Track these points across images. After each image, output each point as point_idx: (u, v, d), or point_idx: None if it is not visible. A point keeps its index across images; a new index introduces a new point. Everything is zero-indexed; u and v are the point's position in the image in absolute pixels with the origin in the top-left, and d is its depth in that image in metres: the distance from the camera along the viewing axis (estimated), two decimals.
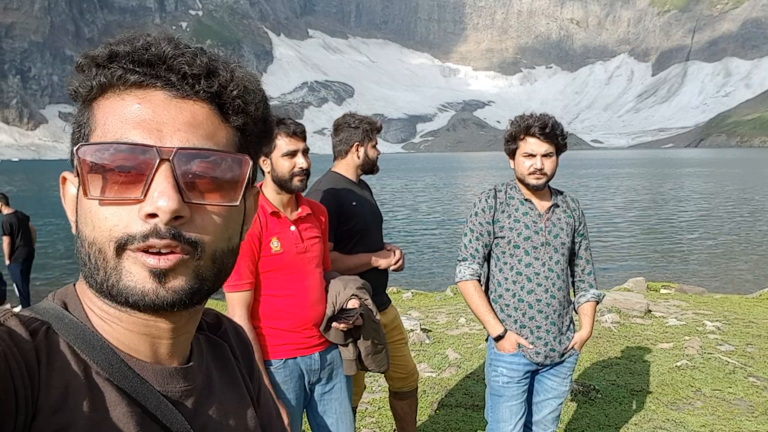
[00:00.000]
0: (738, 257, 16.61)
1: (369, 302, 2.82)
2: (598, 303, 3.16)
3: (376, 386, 5.34)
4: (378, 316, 2.88)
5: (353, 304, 2.73)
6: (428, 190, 48.05)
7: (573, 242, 3.11)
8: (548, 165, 2.92)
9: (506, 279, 2.99)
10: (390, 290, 11.26)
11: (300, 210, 2.77)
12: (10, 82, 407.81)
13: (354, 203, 3.32)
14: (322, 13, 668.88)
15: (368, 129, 3.42)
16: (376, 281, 3.24)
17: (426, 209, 31.99)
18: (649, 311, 8.13)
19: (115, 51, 0.69)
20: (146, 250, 0.67)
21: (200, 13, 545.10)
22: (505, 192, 3.07)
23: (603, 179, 57.79)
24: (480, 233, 3.03)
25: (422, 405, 4.94)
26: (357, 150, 3.40)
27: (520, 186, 3.05)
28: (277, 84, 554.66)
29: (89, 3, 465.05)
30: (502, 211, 3.02)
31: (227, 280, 2.57)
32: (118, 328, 0.72)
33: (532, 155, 2.90)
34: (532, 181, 2.92)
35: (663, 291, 10.65)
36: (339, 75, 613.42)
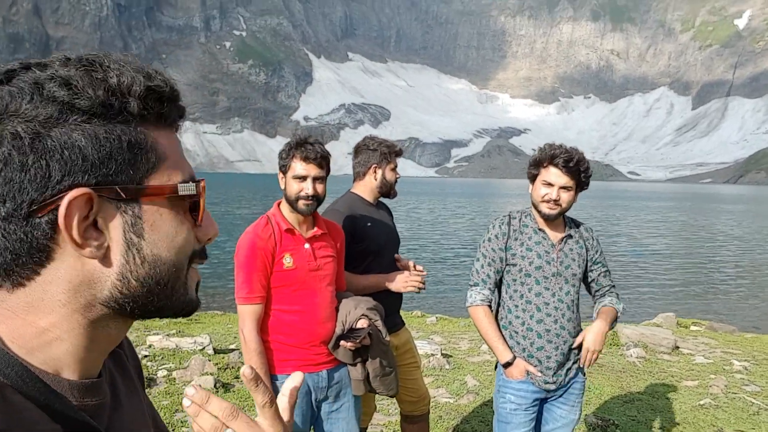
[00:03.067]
0: None
1: (379, 323, 2.81)
2: (618, 314, 3.11)
3: (393, 409, 5.27)
4: (388, 338, 2.86)
5: (362, 324, 2.73)
6: (460, 215, 47.92)
7: (586, 272, 3.10)
8: (564, 197, 2.90)
9: (516, 306, 2.98)
10: (414, 314, 11.24)
11: (316, 228, 2.79)
12: None
13: (368, 224, 3.33)
14: (363, 37, 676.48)
15: (386, 152, 3.45)
16: (388, 303, 3.22)
17: (457, 234, 31.90)
18: (677, 347, 7.99)
19: (172, 92, 0.76)
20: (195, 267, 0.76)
21: (244, 33, 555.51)
22: (520, 219, 3.06)
23: (639, 211, 57.03)
24: (492, 259, 3.02)
25: (437, 430, 4.93)
26: (375, 172, 3.43)
27: (534, 214, 3.05)
28: (316, 105, 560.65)
29: (138, 20, 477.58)
30: (515, 239, 3.00)
31: (238, 293, 2.66)
32: (63, 346, 0.72)
33: (551, 185, 2.89)
34: (544, 209, 2.92)
35: (693, 328, 10.46)
36: (376, 98, 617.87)
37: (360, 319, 2.75)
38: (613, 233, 34.45)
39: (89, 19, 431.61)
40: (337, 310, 2.79)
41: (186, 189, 0.75)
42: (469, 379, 6.31)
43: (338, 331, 2.72)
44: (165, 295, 0.74)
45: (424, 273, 3.43)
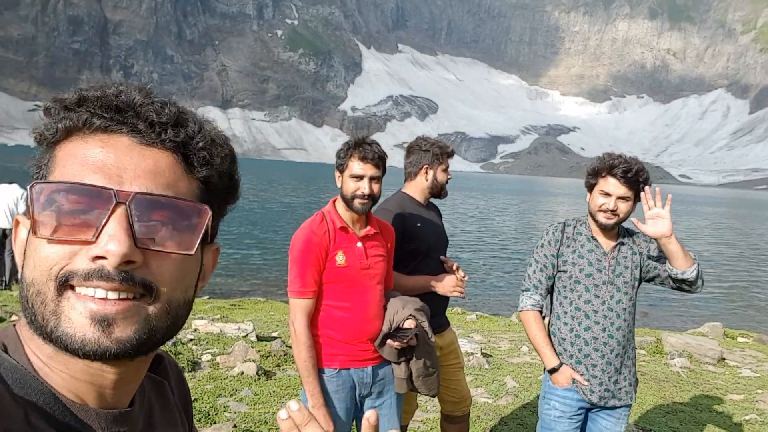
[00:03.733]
0: None
1: (425, 324, 2.85)
2: (695, 271, 2.97)
3: (431, 406, 5.29)
4: (433, 339, 2.90)
5: (409, 324, 2.78)
6: (504, 212, 47.55)
7: (641, 275, 3.08)
8: (622, 208, 2.90)
9: (565, 313, 3.00)
10: (454, 311, 11.24)
11: (368, 228, 2.84)
12: (113, 76, 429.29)
13: (418, 224, 3.34)
14: (414, 29, 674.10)
15: (438, 153, 3.45)
16: (434, 303, 3.24)
17: (499, 232, 31.69)
18: (723, 359, 7.83)
19: (84, 96, 0.69)
20: (91, 293, 0.64)
21: (296, 22, 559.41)
22: (574, 227, 3.07)
23: (689, 216, 55.75)
24: (544, 265, 3.02)
25: (475, 430, 4.91)
26: (426, 172, 3.44)
27: (590, 222, 3.05)
28: (363, 96, 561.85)
29: (193, 6, 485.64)
30: (568, 246, 3.02)
31: (291, 286, 2.72)
32: (63, 375, 0.69)
33: (608, 195, 2.89)
34: (601, 218, 2.92)
35: (740, 339, 10.21)
36: (424, 91, 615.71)
37: (407, 319, 2.79)
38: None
39: (146, 3, 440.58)
40: (384, 308, 2.84)
41: (39, 193, 0.66)
42: (509, 380, 6.28)
43: (385, 329, 2.77)
44: (35, 318, 0.66)
45: (466, 278, 3.43)
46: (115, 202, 0.65)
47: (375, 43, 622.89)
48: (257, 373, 5.82)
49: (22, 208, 10.37)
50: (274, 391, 5.47)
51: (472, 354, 6.95)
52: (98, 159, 0.68)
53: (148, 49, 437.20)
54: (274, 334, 7.72)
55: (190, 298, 0.75)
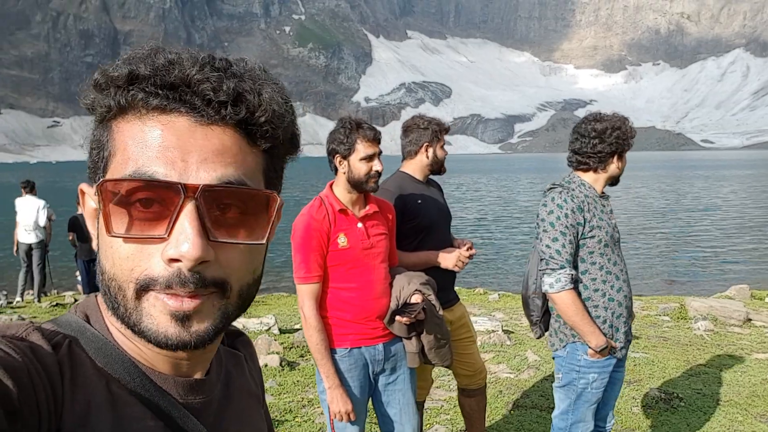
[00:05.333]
0: None
1: (432, 298, 2.87)
2: None
3: (453, 384, 5.12)
4: (441, 312, 2.93)
5: (416, 298, 2.80)
6: (525, 192, 47.25)
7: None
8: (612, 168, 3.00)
9: (594, 280, 2.91)
10: (477, 291, 11.26)
11: (368, 207, 2.88)
12: None
13: (419, 201, 3.39)
14: (421, 14, 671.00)
15: (437, 130, 3.49)
16: (441, 278, 3.26)
17: (520, 211, 31.49)
18: (749, 320, 7.74)
19: (135, 72, 0.66)
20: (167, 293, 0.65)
21: (303, 17, 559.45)
22: (578, 188, 3.00)
23: (713, 181, 54.90)
24: (573, 236, 2.89)
25: (498, 405, 4.94)
26: (426, 150, 3.48)
27: (597, 182, 3.03)
28: (376, 85, 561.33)
29: (200, 11, 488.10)
30: (588, 210, 2.91)
31: (297, 273, 2.81)
32: (141, 346, 0.72)
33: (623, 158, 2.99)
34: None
35: None
36: (437, 76, 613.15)
37: (414, 294, 2.82)
38: (683, 205, 33.30)
39: (154, 11, 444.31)
40: (391, 285, 2.87)
41: (95, 190, 0.66)
42: (530, 354, 6.25)
43: (393, 306, 2.80)
44: (117, 308, 0.67)
45: (473, 252, 3.45)
46: (183, 197, 0.64)
47: (384, 32, 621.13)
48: (280, 364, 5.86)
49: (42, 220, 10.55)
50: (298, 381, 5.53)
51: (494, 331, 6.93)
52: (160, 143, 0.65)
53: None
54: (297, 326, 7.78)
55: (259, 275, 0.75)
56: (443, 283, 3.29)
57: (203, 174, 0.65)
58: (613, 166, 2.96)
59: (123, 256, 0.65)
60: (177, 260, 0.63)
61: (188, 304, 0.65)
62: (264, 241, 0.71)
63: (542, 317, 3.16)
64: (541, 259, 2.95)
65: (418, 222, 3.36)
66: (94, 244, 0.71)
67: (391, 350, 2.88)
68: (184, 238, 0.63)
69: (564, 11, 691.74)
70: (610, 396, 3.13)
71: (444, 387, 5.32)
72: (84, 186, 0.73)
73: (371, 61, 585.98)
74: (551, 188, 3.05)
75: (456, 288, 13.42)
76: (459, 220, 26.69)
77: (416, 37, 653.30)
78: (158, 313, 0.65)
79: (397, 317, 2.76)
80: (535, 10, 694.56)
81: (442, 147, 3.56)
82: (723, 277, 14.04)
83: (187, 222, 0.63)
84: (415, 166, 3.51)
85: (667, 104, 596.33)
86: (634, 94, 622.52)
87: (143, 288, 0.65)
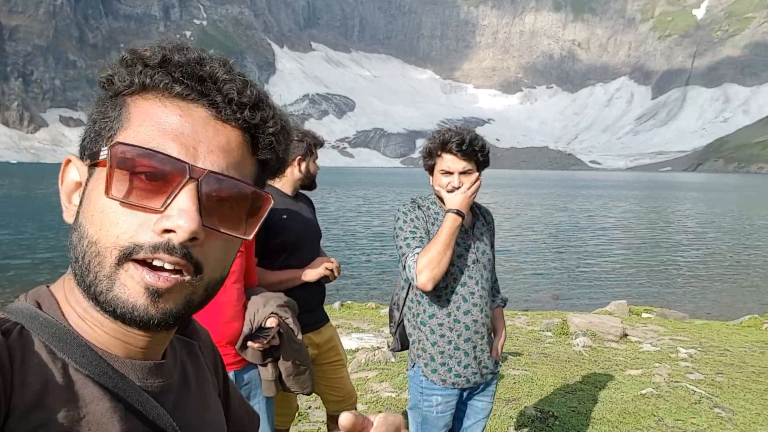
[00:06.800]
0: (726, 283, 16.47)
1: (290, 321, 2.72)
2: (504, 307, 3.14)
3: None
4: (300, 336, 2.77)
5: (272, 322, 2.64)
6: None
7: (494, 256, 3.02)
8: (467, 182, 2.76)
9: (438, 298, 2.81)
10: (368, 306, 11.06)
11: None
12: (12, 84, 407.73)
13: (284, 216, 3.22)
14: (326, 27, 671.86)
15: (311, 143, 3.36)
16: (307, 298, 3.16)
17: None
18: (625, 335, 7.98)
19: (168, 57, 0.70)
20: (146, 265, 0.66)
21: (205, 22, 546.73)
22: (428, 207, 2.91)
23: (599, 200, 57.82)
24: (422, 234, 2.79)
25: None
26: (299, 164, 3.31)
27: (439, 202, 2.89)
28: (279, 95, 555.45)
29: (94, 9, 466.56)
30: (432, 224, 2.84)
31: None
32: (98, 330, 0.72)
33: (450, 172, 2.77)
34: (448, 198, 2.76)
35: (645, 315, 10.50)
36: (340, 88, 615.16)
37: (269, 317, 2.65)
38: (572, 222, 34.77)
39: (43, 7, 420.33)
40: (245, 307, 2.70)
41: (105, 154, 0.67)
42: None
43: (246, 330, 2.62)
44: (86, 275, 0.67)
45: (335, 263, 3.32)
46: (188, 176, 0.67)
47: (288, 42, 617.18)
48: None
49: None
50: None
51: (379, 348, 6.83)
52: (176, 127, 0.69)
53: (48, 55, 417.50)
54: None
55: (225, 276, 0.76)
56: (309, 303, 3.19)
57: (209, 163, 0.69)
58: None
59: (113, 222, 0.66)
60: (170, 231, 0.65)
61: (164, 283, 0.66)
62: (250, 237, 0.74)
63: (397, 330, 3.08)
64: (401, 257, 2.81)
65: (284, 238, 3.20)
66: (66, 215, 0.72)
67: (244, 378, 2.71)
68: (184, 212, 0.65)
69: (465, 32, 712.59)
70: (474, 427, 3.02)
71: (323, 408, 4.93)
72: (72, 156, 0.74)
73: (275, 71, 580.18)
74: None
75: (348, 302, 13.31)
76: (362, 232, 26.87)
77: (320, 49, 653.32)
78: (133, 283, 0.66)
79: (249, 342, 2.59)
80: (437, 29, 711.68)
81: (314, 161, 3.43)
82: (605, 293, 14.62)
83: (187, 198, 0.66)
84: (285, 180, 3.33)
85: (559, 126, 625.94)
86: (529, 115, 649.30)
87: (125, 256, 0.65)
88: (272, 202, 0.76)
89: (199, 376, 0.89)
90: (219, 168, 0.70)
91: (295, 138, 3.12)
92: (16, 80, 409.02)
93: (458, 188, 2.73)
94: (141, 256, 0.65)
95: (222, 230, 0.70)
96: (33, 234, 23.09)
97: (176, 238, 0.65)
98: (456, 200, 2.70)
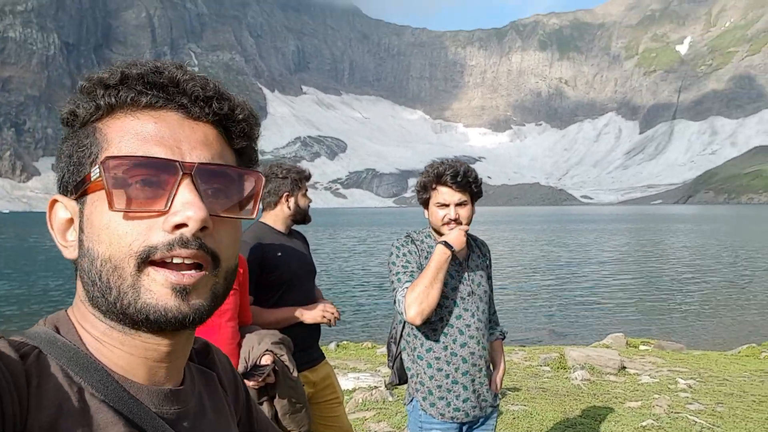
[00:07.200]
0: (722, 313, 16.46)
1: (285, 358, 2.70)
2: (503, 339, 3.13)
3: None
4: (295, 373, 2.75)
5: (267, 360, 2.63)
6: None
7: (491, 288, 3.01)
8: (463, 214, 2.78)
9: (434, 331, 2.80)
10: (365, 345, 11.00)
11: None
12: (5, 134, 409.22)
13: (279, 253, 3.21)
14: (316, 70, 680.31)
15: (297, 178, 3.34)
16: (303, 336, 3.15)
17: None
18: (623, 368, 7.95)
19: (126, 73, 0.71)
20: (167, 266, 0.68)
21: (196, 69, 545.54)
22: (422, 241, 2.91)
23: (592, 234, 58.06)
24: (414, 268, 2.79)
25: None
26: (287, 200, 3.32)
27: (435, 236, 2.90)
28: (271, 139, 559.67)
29: (86, 58, 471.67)
30: (425, 258, 2.82)
31: None
32: (117, 352, 0.73)
33: (446, 205, 2.78)
34: (447, 231, 2.78)
35: (642, 347, 10.47)
36: (332, 130, 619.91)
37: (264, 354, 2.64)
38: (567, 257, 34.83)
39: (36, 58, 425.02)
40: (240, 345, 2.68)
41: (97, 173, 0.68)
42: None
43: (241, 368, 2.59)
44: (108, 293, 0.69)
45: (335, 311, 3.33)
46: (181, 173, 0.69)
47: (279, 86, 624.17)
48: None
49: None
50: None
51: (376, 387, 6.79)
52: (155, 133, 0.71)
53: (41, 104, 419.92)
54: None
55: (237, 264, 0.77)
56: (305, 341, 3.18)
57: (195, 157, 0.71)
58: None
59: (121, 233, 0.67)
60: (182, 225, 0.67)
61: (188, 279, 0.68)
62: (254, 216, 0.76)
63: (394, 363, 3.07)
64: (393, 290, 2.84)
65: (278, 275, 3.18)
66: (67, 253, 0.74)
67: None
68: (189, 204, 0.68)
69: (453, 73, 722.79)
70: None
71: None
72: (57, 195, 0.75)
73: (266, 115, 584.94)
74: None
75: (344, 342, 13.24)
76: (357, 272, 26.85)
77: (311, 92, 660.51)
78: (158, 286, 0.68)
79: (245, 381, 2.35)
80: (425, 70, 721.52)
81: (304, 195, 3.41)
82: (601, 326, 14.58)
83: (188, 191, 0.69)
84: (276, 218, 3.35)
85: (549, 162, 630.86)
86: (519, 152, 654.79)
87: (143, 260, 0.67)
88: (264, 179, 0.77)
89: (216, 407, 0.89)
90: (205, 160, 0.72)
91: (280, 175, 3.30)
92: (8, 130, 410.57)
93: (455, 220, 2.75)
94: (158, 256, 0.67)
95: (226, 215, 0.73)
96: (23, 284, 22.95)
97: (188, 231, 0.67)
98: (450, 236, 2.71)
